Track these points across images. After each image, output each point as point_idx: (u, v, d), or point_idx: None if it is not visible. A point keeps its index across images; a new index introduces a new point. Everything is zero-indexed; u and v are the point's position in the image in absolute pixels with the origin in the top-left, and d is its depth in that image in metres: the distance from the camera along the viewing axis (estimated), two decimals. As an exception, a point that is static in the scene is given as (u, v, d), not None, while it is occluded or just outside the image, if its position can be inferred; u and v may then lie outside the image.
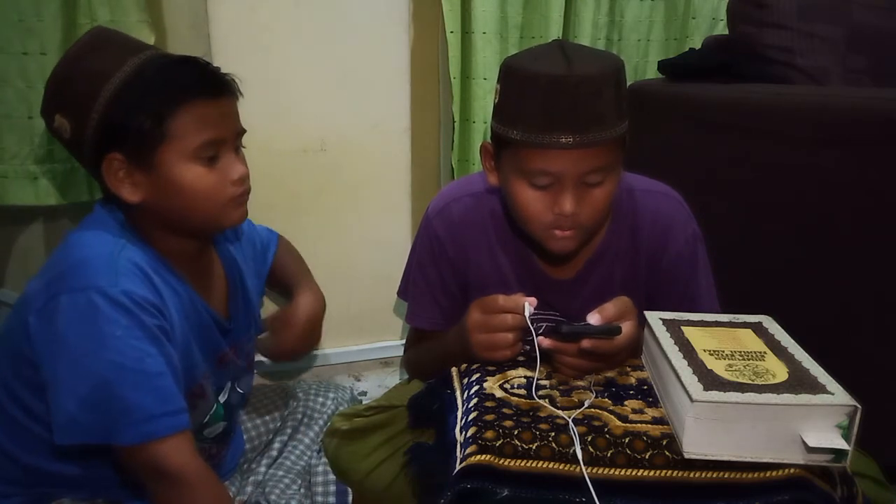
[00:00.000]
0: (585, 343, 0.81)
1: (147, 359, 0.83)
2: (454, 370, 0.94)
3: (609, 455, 0.73)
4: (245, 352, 1.12)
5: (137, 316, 0.82)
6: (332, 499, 1.08)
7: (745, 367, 0.75)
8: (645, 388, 0.85)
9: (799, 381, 0.71)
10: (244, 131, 0.97)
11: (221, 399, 1.05)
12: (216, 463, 1.07)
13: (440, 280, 1.08)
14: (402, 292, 1.18)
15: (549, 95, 0.84)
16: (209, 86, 0.89)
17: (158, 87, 0.86)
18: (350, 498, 1.07)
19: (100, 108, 0.85)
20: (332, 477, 1.09)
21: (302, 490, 1.09)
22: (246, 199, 0.96)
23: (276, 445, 1.18)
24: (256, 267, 1.20)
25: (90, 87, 0.86)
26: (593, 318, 0.83)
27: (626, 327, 0.84)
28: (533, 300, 0.86)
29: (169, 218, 0.91)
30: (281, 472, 1.12)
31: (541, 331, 0.84)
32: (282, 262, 1.27)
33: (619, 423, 0.77)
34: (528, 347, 0.89)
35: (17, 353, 0.86)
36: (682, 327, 0.85)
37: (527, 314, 0.85)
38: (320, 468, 1.11)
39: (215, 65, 0.93)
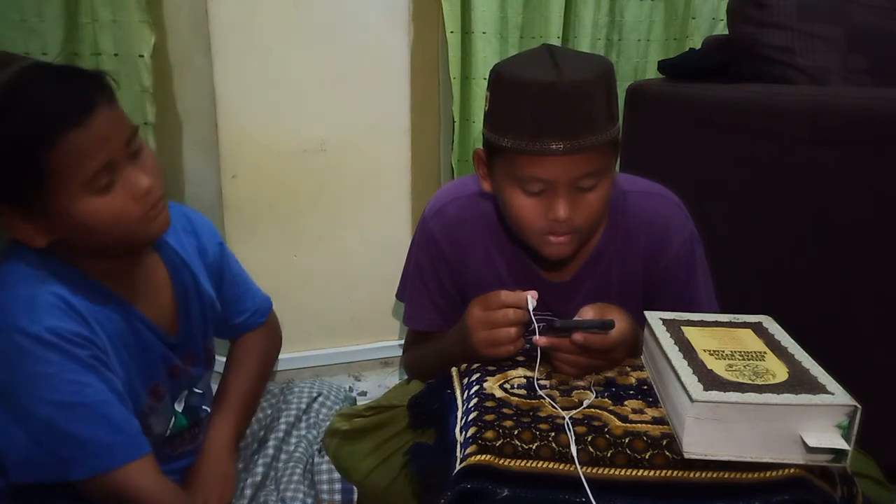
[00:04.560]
0: (577, 336, 0.82)
1: (87, 390, 0.80)
2: (454, 370, 0.94)
3: (609, 455, 0.73)
4: (200, 358, 1.06)
5: (67, 350, 0.79)
6: (337, 496, 1.08)
7: (745, 367, 0.75)
8: (645, 388, 0.85)
9: (799, 381, 0.72)
10: (136, 129, 0.84)
11: (179, 408, 1.02)
12: (201, 442, 1.06)
13: (437, 281, 1.08)
14: (401, 294, 1.18)
15: (539, 102, 0.84)
16: (77, 109, 0.76)
17: (21, 132, 0.74)
18: (355, 496, 1.07)
19: None
20: (336, 475, 1.08)
21: (305, 487, 1.09)
22: (160, 209, 0.86)
23: (272, 443, 1.18)
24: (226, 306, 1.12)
25: None
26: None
27: (620, 323, 0.84)
28: (534, 293, 0.86)
29: (85, 247, 0.85)
30: (286, 467, 1.12)
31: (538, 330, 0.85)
32: (237, 365, 1.15)
33: (619, 423, 0.77)
34: (528, 346, 0.89)
35: None
36: (682, 327, 0.85)
37: (530, 307, 0.85)
38: (324, 466, 1.10)
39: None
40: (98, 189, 0.79)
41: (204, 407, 1.09)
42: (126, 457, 0.81)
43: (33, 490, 0.84)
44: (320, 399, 1.27)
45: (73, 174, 0.77)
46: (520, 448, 0.74)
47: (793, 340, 0.83)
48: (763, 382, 0.71)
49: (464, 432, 0.78)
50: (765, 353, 0.79)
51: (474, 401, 0.83)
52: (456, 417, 0.83)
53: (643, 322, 0.90)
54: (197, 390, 1.07)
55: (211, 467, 1.03)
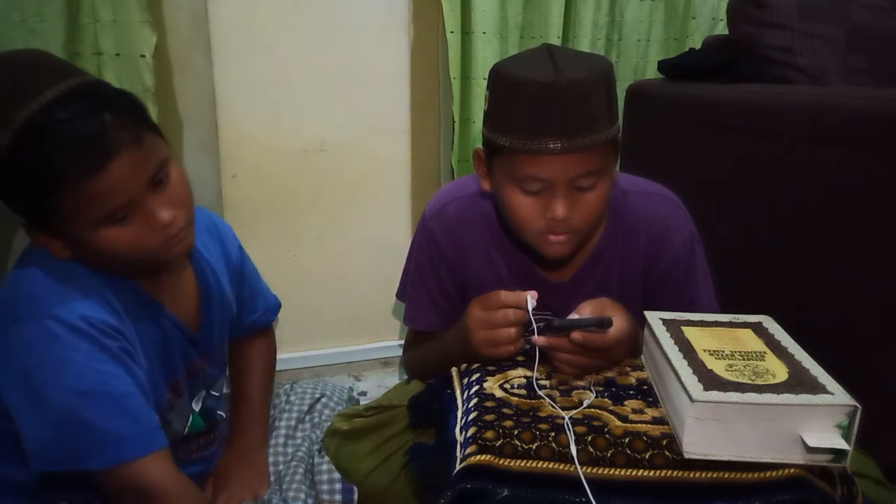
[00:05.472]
0: (575, 335, 0.82)
1: (112, 381, 0.81)
2: (454, 370, 0.94)
3: (609, 455, 0.73)
4: (217, 359, 1.08)
5: (98, 339, 0.80)
6: (338, 497, 1.08)
7: (745, 367, 0.75)
8: (645, 388, 0.85)
9: (799, 381, 0.72)
10: (166, 159, 0.83)
11: (196, 407, 1.03)
12: (214, 450, 1.07)
13: (437, 281, 1.08)
14: (401, 294, 1.18)
15: (538, 102, 0.84)
16: (93, 156, 0.75)
17: (30, 177, 0.75)
18: (356, 496, 1.07)
19: None
20: (336, 475, 1.09)
21: (307, 487, 1.09)
22: (182, 237, 0.85)
23: (274, 443, 1.18)
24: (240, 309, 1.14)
25: None
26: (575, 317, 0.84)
27: (619, 321, 0.84)
28: (534, 293, 0.87)
29: (108, 266, 0.85)
30: (289, 467, 1.12)
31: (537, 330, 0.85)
32: (248, 374, 1.18)
33: (619, 423, 0.77)
34: (528, 346, 0.89)
35: None
36: (682, 327, 0.85)
37: (529, 308, 0.85)
38: (324, 466, 1.11)
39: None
40: (114, 221, 0.79)
41: (219, 412, 1.10)
42: (143, 450, 0.82)
43: (54, 483, 0.85)
44: (323, 400, 1.27)
45: (85, 214, 0.77)
46: (520, 448, 0.74)
47: (793, 340, 0.83)
48: (763, 382, 0.71)
49: (464, 432, 0.78)
50: (765, 353, 0.79)
51: (474, 401, 0.83)
52: (456, 417, 0.83)
53: (643, 322, 0.90)
54: (214, 392, 1.08)
55: (246, 465, 1.08)
